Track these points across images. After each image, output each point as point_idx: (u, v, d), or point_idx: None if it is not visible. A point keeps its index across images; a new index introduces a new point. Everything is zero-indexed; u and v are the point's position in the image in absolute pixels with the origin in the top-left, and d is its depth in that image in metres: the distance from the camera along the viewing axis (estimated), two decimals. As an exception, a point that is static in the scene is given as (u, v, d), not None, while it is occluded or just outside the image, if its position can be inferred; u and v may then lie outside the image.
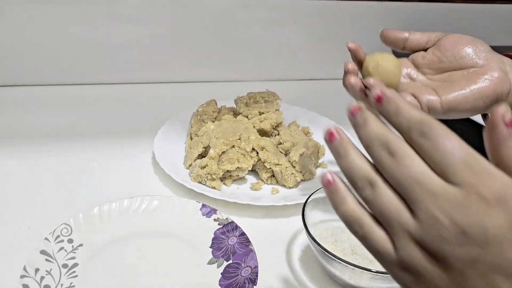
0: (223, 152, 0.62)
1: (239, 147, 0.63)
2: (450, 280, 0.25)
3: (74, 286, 0.46)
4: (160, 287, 0.48)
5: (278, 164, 0.63)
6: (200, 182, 0.62)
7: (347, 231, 0.50)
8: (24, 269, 0.46)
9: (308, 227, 0.48)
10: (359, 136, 0.28)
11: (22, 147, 0.69)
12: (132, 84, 0.92)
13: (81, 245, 0.51)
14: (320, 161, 0.70)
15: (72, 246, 0.50)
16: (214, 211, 0.56)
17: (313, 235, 0.48)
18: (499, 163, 0.26)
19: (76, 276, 0.47)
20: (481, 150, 0.27)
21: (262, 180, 0.65)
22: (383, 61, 0.42)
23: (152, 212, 0.56)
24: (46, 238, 0.50)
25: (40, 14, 0.82)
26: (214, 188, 0.62)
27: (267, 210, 0.60)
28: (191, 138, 0.71)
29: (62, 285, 0.46)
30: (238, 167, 0.62)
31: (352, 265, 0.45)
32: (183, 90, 0.92)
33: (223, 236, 0.53)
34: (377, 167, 0.28)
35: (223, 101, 0.77)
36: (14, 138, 0.71)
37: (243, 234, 0.53)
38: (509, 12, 1.01)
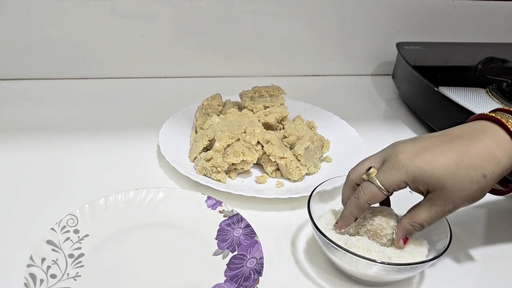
0: (228, 145, 0.63)
1: (244, 140, 0.63)
2: None
3: (80, 275, 0.47)
4: (165, 278, 0.48)
5: (283, 158, 0.63)
6: (205, 175, 0.62)
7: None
8: (31, 258, 0.46)
9: (313, 218, 0.49)
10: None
11: (28, 139, 0.70)
12: (137, 78, 0.92)
13: (87, 235, 0.51)
14: (324, 155, 0.70)
15: (78, 236, 0.51)
16: (219, 203, 0.56)
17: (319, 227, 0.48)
18: None
19: (82, 266, 0.48)
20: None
21: (267, 174, 0.65)
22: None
23: (157, 204, 0.56)
24: (52, 229, 0.50)
25: (43, 8, 0.82)
26: (219, 181, 0.62)
27: (272, 203, 0.60)
28: (196, 132, 0.71)
29: (68, 274, 0.46)
30: (243, 160, 0.62)
31: (358, 256, 0.45)
32: (188, 85, 0.92)
33: (228, 228, 0.54)
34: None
35: (227, 96, 0.77)
36: (20, 130, 0.72)
37: (248, 226, 0.53)
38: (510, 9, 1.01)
